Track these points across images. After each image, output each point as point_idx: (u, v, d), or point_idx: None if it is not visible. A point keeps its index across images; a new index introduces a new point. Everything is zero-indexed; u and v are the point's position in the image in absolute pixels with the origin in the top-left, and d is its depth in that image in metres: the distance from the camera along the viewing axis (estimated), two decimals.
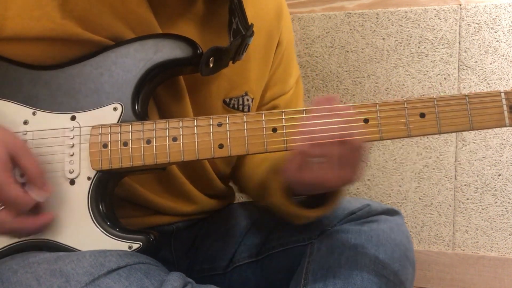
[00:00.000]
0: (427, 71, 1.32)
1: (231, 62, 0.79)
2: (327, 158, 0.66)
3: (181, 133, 0.70)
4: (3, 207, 0.64)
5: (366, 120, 0.68)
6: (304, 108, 0.69)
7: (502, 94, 0.67)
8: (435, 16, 1.29)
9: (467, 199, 1.34)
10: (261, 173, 0.84)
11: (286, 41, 0.93)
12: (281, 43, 0.92)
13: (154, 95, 0.77)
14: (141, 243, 0.69)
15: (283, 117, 0.69)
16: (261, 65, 0.88)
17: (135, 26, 0.74)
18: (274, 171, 0.77)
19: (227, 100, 0.84)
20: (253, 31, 0.79)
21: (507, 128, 1.28)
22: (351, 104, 0.69)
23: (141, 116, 0.72)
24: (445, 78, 1.31)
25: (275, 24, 0.90)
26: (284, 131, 0.69)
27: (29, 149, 0.67)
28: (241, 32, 0.77)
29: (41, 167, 0.67)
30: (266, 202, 0.82)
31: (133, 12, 0.74)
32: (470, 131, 1.30)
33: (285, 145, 0.69)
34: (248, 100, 0.86)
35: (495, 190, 1.31)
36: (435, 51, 1.30)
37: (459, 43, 1.29)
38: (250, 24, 0.78)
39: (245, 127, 0.69)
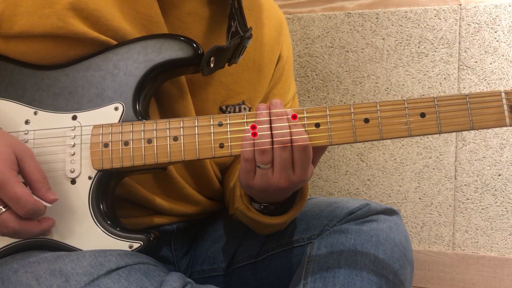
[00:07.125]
0: (427, 71, 1.32)
1: (227, 64, 0.79)
2: (272, 163, 0.68)
3: (181, 133, 0.70)
4: (7, 208, 0.63)
5: (366, 120, 0.68)
6: (246, 119, 0.70)
7: (503, 94, 0.67)
8: (435, 16, 1.29)
9: (467, 199, 1.34)
10: (233, 181, 0.85)
11: (286, 56, 0.95)
12: (281, 57, 0.93)
13: (155, 95, 0.77)
14: (142, 243, 0.69)
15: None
16: (260, 77, 0.89)
17: (143, 27, 0.74)
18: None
19: (223, 107, 0.85)
20: (251, 34, 0.79)
21: (507, 128, 1.29)
22: (296, 108, 0.70)
23: (142, 115, 0.72)
24: (445, 78, 1.31)
25: (276, 38, 0.92)
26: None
27: (33, 154, 0.67)
28: (239, 33, 0.77)
29: (44, 173, 0.67)
30: (233, 209, 0.83)
31: (144, 14, 0.74)
32: (470, 131, 1.31)
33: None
34: (245, 109, 0.87)
35: (495, 190, 1.31)
36: (435, 51, 1.30)
37: (459, 43, 1.29)
38: (249, 27, 0.79)
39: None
